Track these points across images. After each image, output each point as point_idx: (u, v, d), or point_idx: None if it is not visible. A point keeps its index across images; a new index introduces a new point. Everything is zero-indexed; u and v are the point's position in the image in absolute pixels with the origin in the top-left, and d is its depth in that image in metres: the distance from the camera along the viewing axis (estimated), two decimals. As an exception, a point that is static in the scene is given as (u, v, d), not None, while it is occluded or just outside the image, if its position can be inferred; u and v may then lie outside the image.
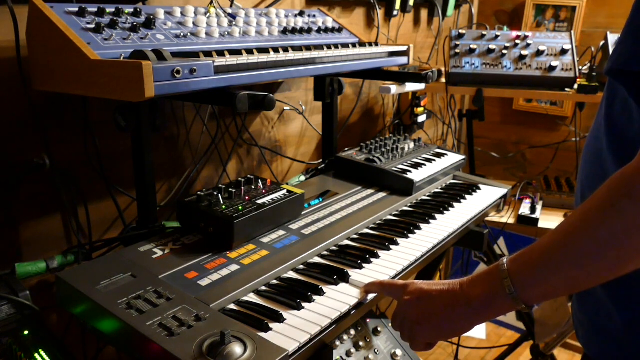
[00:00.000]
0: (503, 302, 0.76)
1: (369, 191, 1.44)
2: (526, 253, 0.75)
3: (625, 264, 0.66)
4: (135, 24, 1.01)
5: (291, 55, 1.13)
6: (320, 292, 0.96)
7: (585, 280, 0.71)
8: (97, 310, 0.85)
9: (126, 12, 1.06)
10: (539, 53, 2.11)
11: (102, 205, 1.28)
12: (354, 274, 1.03)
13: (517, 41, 2.21)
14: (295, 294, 0.94)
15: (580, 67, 2.16)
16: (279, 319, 0.87)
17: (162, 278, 0.93)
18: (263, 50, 1.15)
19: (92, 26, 0.96)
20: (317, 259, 1.09)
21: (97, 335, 0.88)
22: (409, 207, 1.40)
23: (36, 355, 0.87)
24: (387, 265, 1.08)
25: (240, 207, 1.07)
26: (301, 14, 1.46)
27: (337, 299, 0.94)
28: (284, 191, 1.19)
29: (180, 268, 0.97)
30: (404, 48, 1.54)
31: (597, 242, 0.66)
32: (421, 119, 2.39)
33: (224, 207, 1.07)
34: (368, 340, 1.08)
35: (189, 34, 1.09)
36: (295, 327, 0.85)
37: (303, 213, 1.24)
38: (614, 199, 0.64)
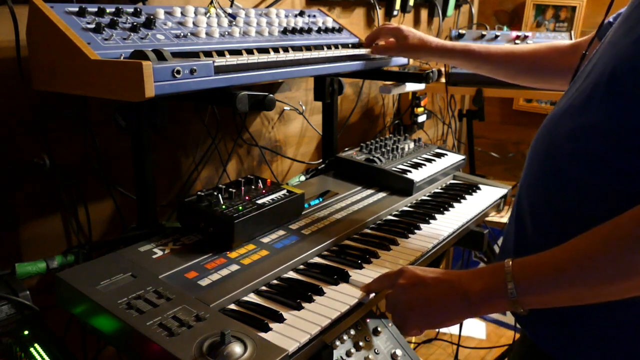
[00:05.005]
0: (501, 302, 0.77)
1: (369, 191, 1.44)
2: (535, 261, 0.76)
3: (637, 292, 0.69)
4: (135, 24, 1.01)
5: (291, 55, 1.13)
6: (321, 292, 0.96)
7: (592, 299, 0.73)
8: (97, 310, 0.85)
9: (126, 12, 1.06)
10: (539, 53, 2.10)
11: (102, 205, 1.29)
12: (354, 274, 1.03)
13: (517, 41, 2.21)
14: (295, 294, 0.94)
15: (580, 67, 2.16)
16: (279, 319, 0.87)
17: (162, 278, 0.93)
18: (263, 51, 1.15)
19: (92, 26, 0.96)
20: (317, 259, 1.09)
21: (97, 335, 0.88)
22: (409, 207, 1.40)
23: (32, 349, 0.87)
24: (386, 265, 1.08)
25: (240, 207, 1.07)
26: (301, 14, 1.46)
27: (337, 299, 0.94)
28: (284, 191, 1.19)
29: (180, 268, 0.97)
30: (404, 48, 1.54)
31: (615, 270, 0.68)
32: (421, 119, 2.39)
33: (224, 207, 1.07)
34: (368, 340, 1.07)
35: (189, 34, 1.09)
36: (295, 327, 0.85)
37: (303, 213, 1.24)
38: None
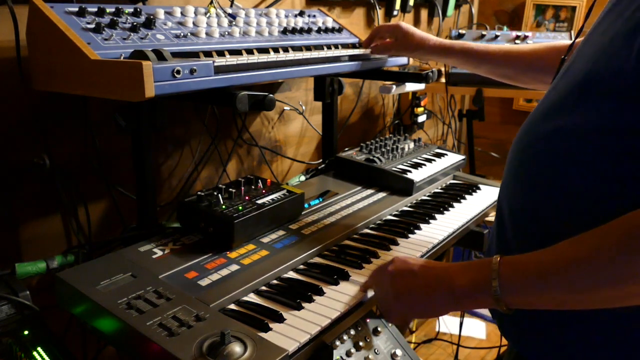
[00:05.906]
0: (485, 299, 0.76)
1: (369, 191, 1.44)
2: (522, 262, 0.75)
3: (621, 302, 0.68)
4: (135, 24, 1.01)
5: (291, 56, 1.14)
6: (321, 292, 0.96)
7: (576, 305, 0.72)
8: (97, 310, 0.85)
9: (126, 12, 1.06)
10: (539, 53, 2.10)
11: (102, 205, 1.28)
12: (354, 274, 1.03)
13: (517, 41, 2.21)
14: (295, 294, 0.94)
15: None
16: (279, 319, 0.87)
17: (162, 278, 0.93)
18: (263, 51, 1.16)
19: (92, 26, 0.96)
20: (317, 259, 1.09)
21: (97, 335, 0.88)
22: (409, 207, 1.40)
23: (34, 353, 0.87)
24: (387, 265, 1.08)
25: (240, 207, 1.07)
26: (301, 14, 1.46)
27: (337, 299, 0.94)
28: (284, 191, 1.19)
29: (180, 268, 0.97)
30: (404, 48, 1.54)
31: (598, 279, 0.66)
32: (421, 119, 2.39)
33: (224, 207, 1.07)
34: (368, 340, 1.07)
35: (189, 34, 1.09)
36: (295, 327, 0.85)
37: (303, 213, 1.24)
38: (631, 247, 0.63)
